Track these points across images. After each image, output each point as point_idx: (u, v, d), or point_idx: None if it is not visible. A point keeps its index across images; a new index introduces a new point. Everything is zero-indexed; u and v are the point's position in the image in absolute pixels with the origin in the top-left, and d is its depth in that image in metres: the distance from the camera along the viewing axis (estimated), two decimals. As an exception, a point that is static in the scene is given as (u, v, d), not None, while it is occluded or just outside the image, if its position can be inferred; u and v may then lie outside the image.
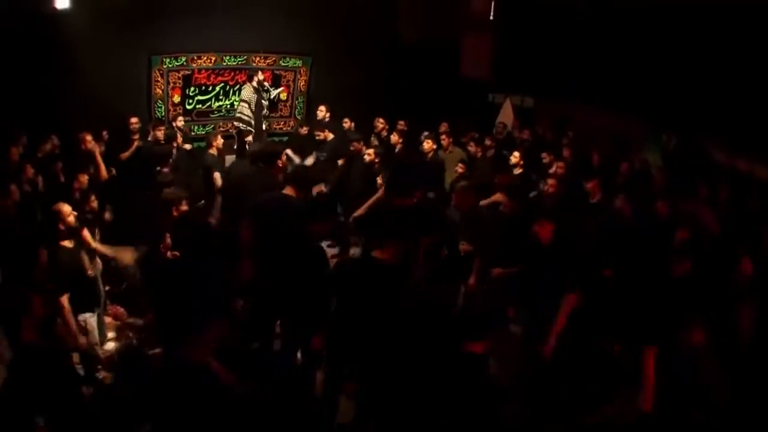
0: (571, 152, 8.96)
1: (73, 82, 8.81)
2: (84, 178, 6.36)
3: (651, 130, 9.71)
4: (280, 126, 11.79)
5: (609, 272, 5.57)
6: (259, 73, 9.84)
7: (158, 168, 7.68)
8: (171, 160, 8.25)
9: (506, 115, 12.01)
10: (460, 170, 8.01)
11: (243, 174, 6.78)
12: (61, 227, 5.03)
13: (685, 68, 9.10)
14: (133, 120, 8.53)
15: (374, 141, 9.44)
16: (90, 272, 5.36)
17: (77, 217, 5.21)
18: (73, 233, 5.15)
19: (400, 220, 5.07)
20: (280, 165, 6.39)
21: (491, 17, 11.69)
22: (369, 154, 8.31)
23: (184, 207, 5.77)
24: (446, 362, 3.82)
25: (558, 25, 10.79)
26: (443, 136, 9.22)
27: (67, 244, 5.13)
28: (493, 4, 11.49)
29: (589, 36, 10.35)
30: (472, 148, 9.33)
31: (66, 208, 5.10)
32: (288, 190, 5.22)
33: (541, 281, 5.19)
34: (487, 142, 9.61)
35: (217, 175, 7.80)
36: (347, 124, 10.27)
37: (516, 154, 8.45)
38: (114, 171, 7.84)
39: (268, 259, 4.82)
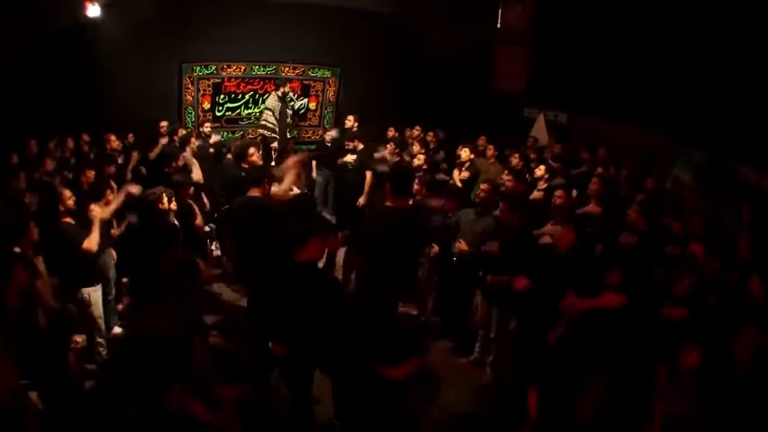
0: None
1: (106, 87, 9.62)
2: (91, 173, 6.87)
3: (682, 147, 9.59)
4: (309, 135, 12.23)
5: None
6: (287, 84, 10.15)
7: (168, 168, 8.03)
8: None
9: (539, 130, 12.07)
10: (509, 182, 8.03)
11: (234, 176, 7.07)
12: (61, 208, 5.62)
13: (719, 85, 9.01)
14: (163, 123, 9.33)
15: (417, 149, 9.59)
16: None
17: (76, 202, 5.74)
18: (73, 215, 5.69)
19: (393, 220, 5.21)
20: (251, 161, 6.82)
21: (526, 32, 11.72)
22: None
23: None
24: (359, 383, 3.57)
25: (592, 40, 10.80)
26: (489, 147, 9.70)
27: (69, 220, 5.69)
28: (527, 18, 11.51)
29: (623, 51, 10.34)
30: (515, 160, 9.34)
31: (67, 192, 5.70)
32: (253, 191, 5.49)
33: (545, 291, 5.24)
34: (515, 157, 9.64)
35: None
36: (392, 132, 10.75)
37: (541, 167, 8.51)
38: (143, 170, 8.29)
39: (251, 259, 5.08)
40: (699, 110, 9.31)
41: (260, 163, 7.26)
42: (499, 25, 12.19)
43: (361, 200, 8.77)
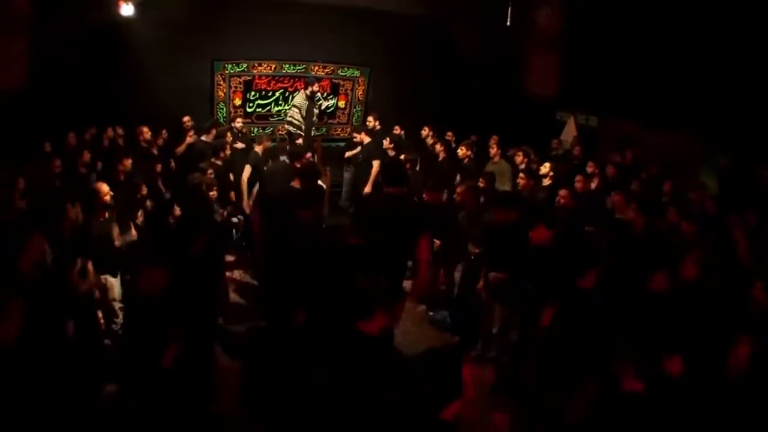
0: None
1: (141, 83, 10.33)
2: (128, 162, 7.45)
3: (708, 152, 9.64)
4: (338, 132, 12.72)
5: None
6: (315, 84, 10.55)
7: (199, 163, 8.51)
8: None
9: (569, 133, 12.20)
10: (521, 180, 8.47)
11: (274, 169, 7.55)
12: (98, 202, 6.04)
13: (748, 91, 9.04)
14: (186, 119, 9.85)
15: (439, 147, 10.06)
16: (117, 243, 6.29)
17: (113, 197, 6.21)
18: (108, 209, 6.15)
19: (388, 206, 5.77)
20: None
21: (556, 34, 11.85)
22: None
23: (213, 193, 6.96)
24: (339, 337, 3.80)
25: (622, 43, 10.88)
26: (492, 147, 9.85)
27: (106, 215, 6.18)
28: (557, 21, 11.65)
29: (653, 55, 10.41)
30: (518, 158, 9.59)
31: (104, 188, 6.14)
32: (295, 183, 5.88)
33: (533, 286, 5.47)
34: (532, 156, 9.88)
35: (247, 168, 8.67)
36: (397, 131, 11.04)
37: (546, 164, 8.72)
38: (173, 164, 8.82)
39: (276, 242, 5.66)
40: (728, 115, 9.34)
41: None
42: (529, 28, 12.27)
43: (367, 188, 9.31)
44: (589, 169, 9.13)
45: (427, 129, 10.82)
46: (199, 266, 5.15)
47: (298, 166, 7.26)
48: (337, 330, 3.88)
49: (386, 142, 10.13)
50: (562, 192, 7.53)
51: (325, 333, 4.14)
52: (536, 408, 5.21)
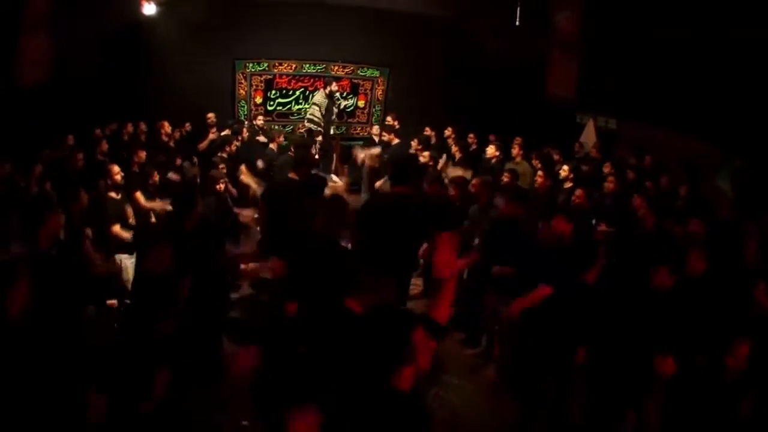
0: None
1: (163, 80, 10.76)
2: (142, 154, 7.84)
3: (724, 155, 9.63)
4: (357, 131, 12.92)
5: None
6: (333, 83, 10.79)
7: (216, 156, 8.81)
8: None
9: (588, 136, 12.23)
10: (539, 178, 8.61)
11: (282, 163, 7.79)
12: (109, 182, 6.55)
13: (764, 96, 9.03)
14: (210, 115, 10.17)
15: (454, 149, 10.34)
16: (131, 221, 6.71)
17: (124, 178, 6.69)
18: (119, 189, 6.61)
19: (393, 205, 5.72)
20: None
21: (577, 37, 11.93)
22: (424, 156, 9.44)
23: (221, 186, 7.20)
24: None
25: (640, 46, 10.92)
26: (515, 148, 10.10)
27: (114, 195, 6.61)
28: (577, 23, 11.73)
29: (670, 59, 10.43)
30: (535, 161, 9.72)
31: (115, 168, 6.63)
32: (292, 174, 6.07)
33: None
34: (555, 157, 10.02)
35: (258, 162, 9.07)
36: (428, 132, 11.32)
37: (565, 167, 8.82)
38: (195, 159, 9.32)
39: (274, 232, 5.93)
40: (745, 119, 9.33)
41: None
42: (549, 30, 12.37)
43: (378, 184, 9.52)
44: (606, 170, 9.21)
45: (450, 129, 11.12)
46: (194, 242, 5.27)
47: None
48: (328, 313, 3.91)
49: (414, 143, 10.27)
50: (578, 192, 7.62)
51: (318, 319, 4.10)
52: (535, 405, 5.33)
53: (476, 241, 6.93)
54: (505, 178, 8.07)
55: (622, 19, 11.24)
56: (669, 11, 10.44)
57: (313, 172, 7.06)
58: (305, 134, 11.43)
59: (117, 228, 6.44)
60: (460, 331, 7.14)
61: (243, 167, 8.66)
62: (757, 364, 4.19)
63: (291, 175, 6.24)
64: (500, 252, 6.34)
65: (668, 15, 10.47)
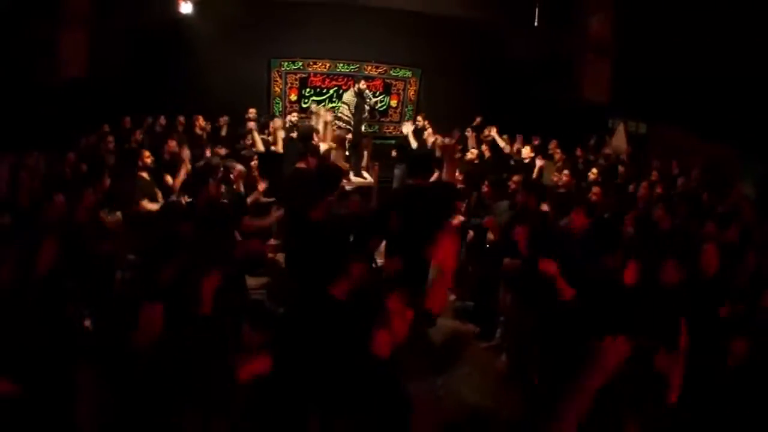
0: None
1: (200, 76, 11.26)
2: (173, 143, 8.30)
3: (748, 160, 9.64)
4: (390, 130, 13.27)
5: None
6: (363, 82, 11.08)
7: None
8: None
9: (619, 140, 12.26)
10: (564, 177, 8.91)
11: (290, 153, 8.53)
12: (140, 164, 7.03)
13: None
14: (252, 110, 10.70)
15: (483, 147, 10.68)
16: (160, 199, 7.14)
17: (154, 161, 7.22)
18: (149, 170, 7.09)
19: (411, 196, 6.11)
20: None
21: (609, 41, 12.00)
22: (472, 153, 10.11)
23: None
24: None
25: (672, 52, 10.95)
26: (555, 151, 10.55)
27: (145, 175, 7.08)
28: (609, 28, 11.80)
29: (700, 64, 10.44)
30: (557, 155, 10.24)
31: (146, 153, 7.19)
32: (300, 164, 6.67)
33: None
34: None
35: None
36: (469, 133, 11.60)
37: (594, 170, 8.98)
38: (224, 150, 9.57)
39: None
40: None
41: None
42: (583, 34, 12.44)
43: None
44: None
45: (489, 129, 11.29)
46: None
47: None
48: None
49: (484, 147, 10.65)
50: (595, 189, 7.77)
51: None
52: (546, 397, 5.46)
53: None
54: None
55: (654, 24, 11.28)
56: (699, 17, 10.47)
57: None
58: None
59: (145, 202, 6.84)
60: (475, 324, 7.25)
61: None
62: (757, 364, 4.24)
63: (299, 165, 6.61)
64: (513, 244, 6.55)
65: (698, 21, 10.50)
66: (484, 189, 7.78)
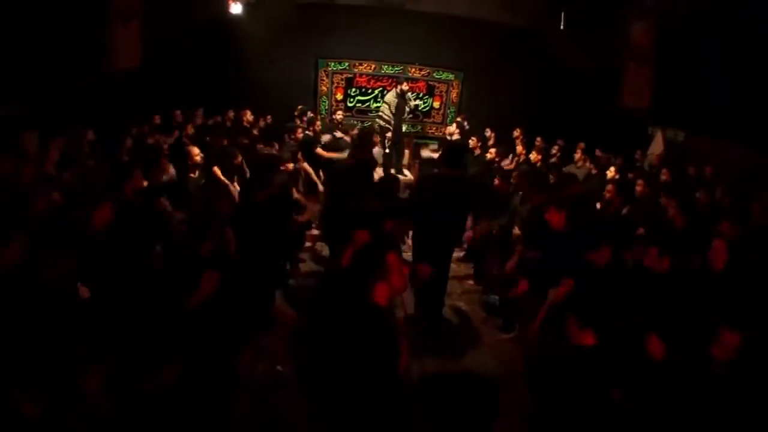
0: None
1: (249, 73, 12.01)
2: (224, 141, 8.94)
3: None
4: (432, 131, 13.65)
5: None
6: (404, 83, 11.50)
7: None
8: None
9: (657, 147, 12.32)
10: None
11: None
12: (190, 162, 7.58)
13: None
14: (300, 108, 11.50)
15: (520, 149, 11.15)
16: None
17: (203, 158, 7.73)
18: (198, 168, 7.65)
19: (442, 185, 6.60)
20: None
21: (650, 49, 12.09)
22: (491, 153, 10.45)
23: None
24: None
25: (711, 60, 10.99)
26: (577, 152, 10.86)
27: (193, 175, 7.64)
28: (651, 35, 11.89)
29: (740, 73, 10.47)
30: (577, 155, 10.68)
31: (195, 150, 7.71)
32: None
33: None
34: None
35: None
36: (488, 133, 11.96)
37: (612, 168, 9.25)
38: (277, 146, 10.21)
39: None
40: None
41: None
42: (624, 42, 12.55)
43: None
44: (663, 177, 9.46)
45: (518, 130, 11.83)
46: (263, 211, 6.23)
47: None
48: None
49: (473, 141, 11.04)
50: (609, 187, 8.00)
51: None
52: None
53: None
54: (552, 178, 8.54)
55: (695, 33, 11.33)
56: (736, 27, 10.51)
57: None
58: (377, 130, 12.23)
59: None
60: (497, 317, 7.38)
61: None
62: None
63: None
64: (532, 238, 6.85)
65: (736, 31, 10.53)
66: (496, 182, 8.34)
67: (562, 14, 11.85)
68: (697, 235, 6.74)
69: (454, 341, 6.64)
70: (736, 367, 4.10)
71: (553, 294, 5.54)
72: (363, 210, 5.97)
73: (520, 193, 7.85)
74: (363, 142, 7.25)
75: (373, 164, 7.84)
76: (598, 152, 11.16)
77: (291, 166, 8.65)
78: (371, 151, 7.81)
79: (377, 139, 10.58)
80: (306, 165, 9.55)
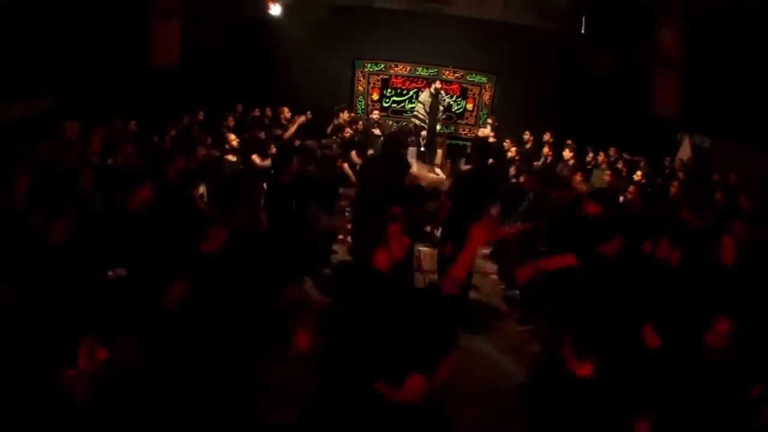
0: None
1: (287, 72, 12.68)
2: (261, 134, 9.52)
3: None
4: (465, 132, 14.06)
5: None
6: (438, 82, 11.91)
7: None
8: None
9: (684, 153, 12.48)
10: (606, 177, 9.60)
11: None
12: (227, 146, 8.31)
13: None
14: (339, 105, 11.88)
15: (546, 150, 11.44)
16: None
17: (240, 144, 8.45)
18: (236, 152, 8.31)
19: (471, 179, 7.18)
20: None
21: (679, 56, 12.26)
22: (511, 152, 10.94)
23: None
24: None
25: (738, 68, 11.13)
26: (600, 155, 11.25)
27: (231, 158, 8.32)
28: (679, 42, 12.08)
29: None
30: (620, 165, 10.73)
31: (232, 136, 8.47)
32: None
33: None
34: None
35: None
36: (527, 136, 12.30)
37: (638, 173, 9.43)
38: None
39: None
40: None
41: None
42: (654, 48, 12.74)
43: None
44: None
45: (548, 134, 12.08)
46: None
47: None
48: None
49: (508, 143, 11.50)
50: (631, 188, 8.26)
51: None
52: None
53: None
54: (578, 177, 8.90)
55: (722, 40, 11.48)
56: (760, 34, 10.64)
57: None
58: (412, 129, 12.62)
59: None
60: (516, 311, 7.62)
61: (353, 153, 10.15)
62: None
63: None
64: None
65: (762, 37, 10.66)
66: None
67: (583, 18, 12.13)
68: (712, 234, 7.03)
69: (474, 330, 6.82)
70: (731, 354, 4.15)
71: (554, 260, 5.31)
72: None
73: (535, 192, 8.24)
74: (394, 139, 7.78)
75: (405, 160, 8.21)
76: (626, 155, 11.40)
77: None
78: (403, 147, 8.27)
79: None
80: (346, 166, 10.00)
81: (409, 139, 11.78)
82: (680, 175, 10.22)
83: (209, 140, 8.55)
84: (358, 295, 3.82)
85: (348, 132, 10.90)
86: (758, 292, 5.25)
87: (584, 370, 3.68)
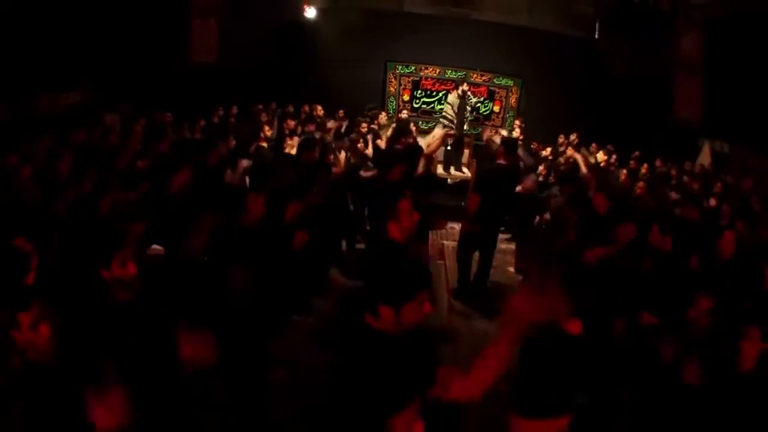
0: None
1: (321, 72, 13.38)
2: (292, 123, 10.34)
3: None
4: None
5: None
6: (465, 84, 12.38)
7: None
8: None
9: (704, 158, 12.74)
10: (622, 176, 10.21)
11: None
12: (261, 135, 8.92)
13: None
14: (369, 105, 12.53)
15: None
16: None
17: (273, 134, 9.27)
18: (269, 141, 9.00)
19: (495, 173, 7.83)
20: None
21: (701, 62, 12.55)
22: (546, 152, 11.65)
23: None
24: None
25: (759, 73, 11.37)
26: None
27: (264, 144, 8.91)
28: (700, 47, 12.37)
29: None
30: (633, 164, 11.26)
31: (266, 127, 9.22)
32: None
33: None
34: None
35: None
36: (561, 139, 12.75)
37: (645, 165, 9.93)
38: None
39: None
40: None
41: None
42: (676, 53, 13.06)
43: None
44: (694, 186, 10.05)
45: (574, 135, 12.50)
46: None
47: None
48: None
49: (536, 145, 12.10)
50: (640, 183, 8.67)
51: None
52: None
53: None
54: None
55: (743, 45, 11.73)
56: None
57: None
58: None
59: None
60: None
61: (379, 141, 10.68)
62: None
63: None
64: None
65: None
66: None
67: (607, 24, 12.51)
68: (712, 230, 7.39)
69: (488, 318, 7.30)
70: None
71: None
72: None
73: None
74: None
75: (420, 150, 8.72)
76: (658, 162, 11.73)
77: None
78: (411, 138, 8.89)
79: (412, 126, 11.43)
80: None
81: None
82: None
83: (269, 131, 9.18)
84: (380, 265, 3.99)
85: (364, 127, 11.26)
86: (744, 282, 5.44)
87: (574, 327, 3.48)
